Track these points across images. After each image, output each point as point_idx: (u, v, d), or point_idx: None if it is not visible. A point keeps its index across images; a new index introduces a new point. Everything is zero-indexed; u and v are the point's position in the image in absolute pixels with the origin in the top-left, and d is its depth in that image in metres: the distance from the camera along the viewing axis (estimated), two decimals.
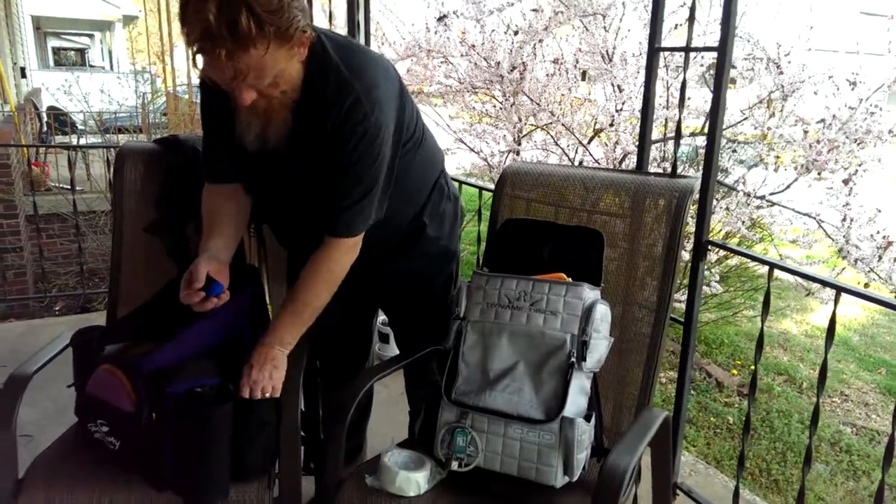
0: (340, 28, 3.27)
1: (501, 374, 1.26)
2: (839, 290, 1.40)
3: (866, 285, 2.77)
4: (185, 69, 7.23)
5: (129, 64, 13.82)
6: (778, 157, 3.29)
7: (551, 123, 3.71)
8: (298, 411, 1.29)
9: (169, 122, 6.98)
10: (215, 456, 1.20)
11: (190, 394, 1.19)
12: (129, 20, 14.71)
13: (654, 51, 1.76)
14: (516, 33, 3.63)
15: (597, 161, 3.64)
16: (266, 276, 1.67)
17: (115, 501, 1.21)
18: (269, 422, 1.26)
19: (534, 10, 3.57)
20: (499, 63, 3.66)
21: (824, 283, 1.46)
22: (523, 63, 3.60)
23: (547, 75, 3.73)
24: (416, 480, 1.21)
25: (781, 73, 3.28)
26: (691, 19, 1.73)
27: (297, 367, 1.36)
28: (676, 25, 3.41)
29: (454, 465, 1.23)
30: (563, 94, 3.74)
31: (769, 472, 2.77)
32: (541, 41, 3.65)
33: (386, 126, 1.19)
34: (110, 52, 16.19)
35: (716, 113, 1.61)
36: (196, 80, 7.58)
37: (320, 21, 3.33)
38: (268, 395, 1.24)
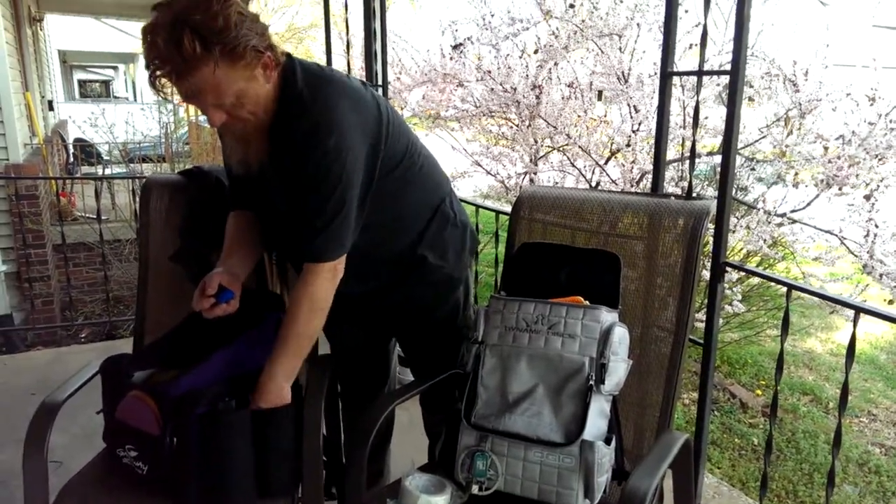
0: (357, 56, 3.35)
1: (521, 398, 1.27)
2: (858, 310, 1.39)
3: (891, 302, 2.73)
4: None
5: (152, 94, 14.15)
6: (797, 174, 3.28)
7: (567, 145, 3.74)
8: (320, 435, 1.31)
9: (191, 150, 7.13)
10: (238, 470, 1.22)
11: (211, 411, 1.22)
12: None
13: (666, 75, 1.78)
14: (536, 52, 3.67)
15: (614, 181, 3.65)
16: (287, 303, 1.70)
17: None
18: (292, 445, 1.28)
19: (552, 34, 3.62)
20: (514, 88, 3.71)
21: (843, 304, 1.45)
22: (539, 86, 3.64)
23: (563, 98, 3.78)
24: None
25: (798, 90, 3.28)
26: (703, 43, 1.76)
27: (319, 391, 1.38)
28: (691, 45, 3.44)
29: (474, 489, 1.24)
30: (578, 116, 3.77)
31: (796, 494, 2.72)
32: (556, 64, 3.69)
33: (349, 149, 1.20)
34: (133, 83, 16.62)
35: (730, 135, 1.63)
36: None
37: (337, 48, 3.40)
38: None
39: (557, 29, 3.60)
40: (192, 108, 8.17)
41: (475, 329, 1.37)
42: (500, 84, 3.75)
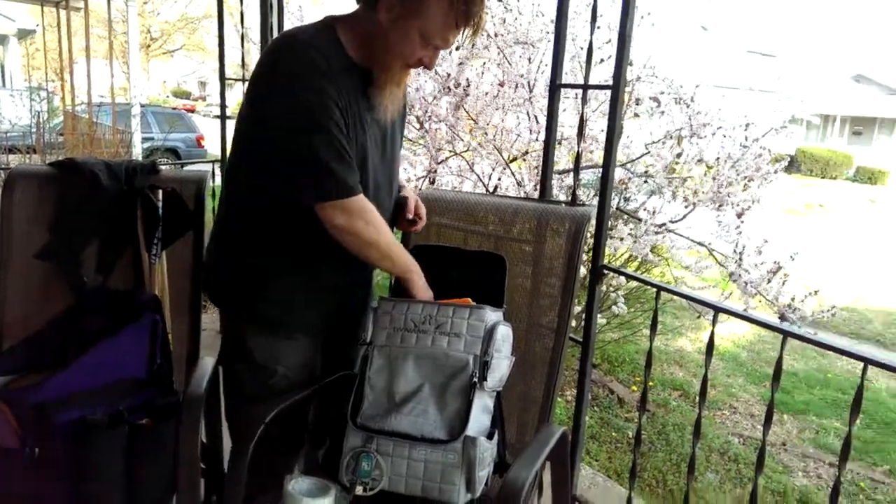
0: (254, 52, 3.25)
1: (407, 398, 1.29)
2: (717, 309, 1.53)
3: (745, 308, 3.01)
4: (85, 87, 6.88)
5: (24, 80, 12.99)
6: (676, 189, 3.54)
7: (467, 150, 3.81)
8: (198, 442, 1.26)
9: (66, 142, 6.60)
10: (107, 486, 1.16)
11: (80, 421, 1.15)
12: (24, 34, 13.82)
13: (555, 87, 1.87)
14: (458, 48, 3.70)
15: (520, 184, 3.76)
16: (168, 306, 1.63)
17: None
18: (165, 452, 1.23)
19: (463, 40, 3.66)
20: (417, 88, 3.73)
21: (704, 304, 1.59)
22: (467, 80, 3.66)
23: (485, 94, 3.82)
24: None
25: (689, 108, 3.54)
26: (588, 59, 1.86)
27: (196, 396, 1.34)
28: (602, 60, 3.60)
29: (359, 490, 1.24)
30: (475, 122, 3.85)
31: (665, 483, 2.93)
32: (460, 64, 3.74)
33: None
34: (2, 67, 15.15)
35: (610, 147, 1.74)
36: (97, 98, 7.23)
37: (229, 24, 3.28)
38: None
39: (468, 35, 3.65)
40: (68, 96, 7.59)
41: (364, 330, 1.38)
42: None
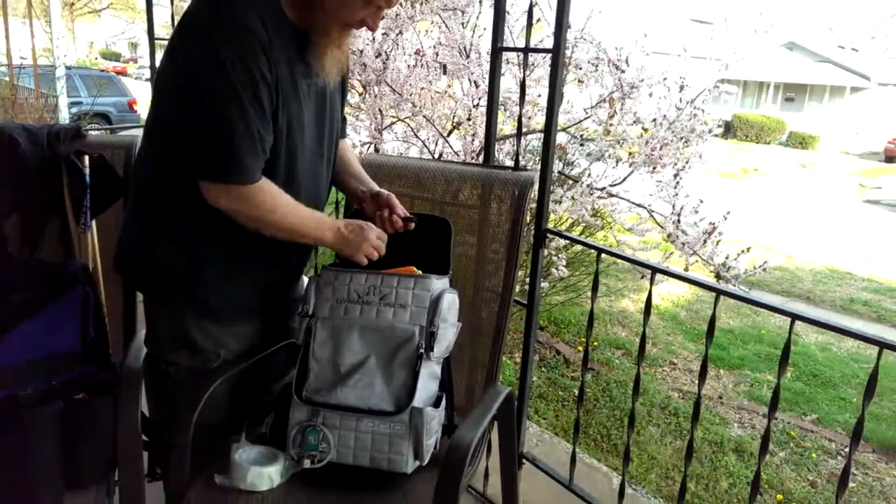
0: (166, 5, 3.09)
1: (352, 370, 1.28)
2: (654, 270, 1.58)
3: (686, 268, 3.12)
4: (3, 47, 6.42)
5: None
6: (618, 152, 3.59)
7: (412, 115, 3.76)
8: (138, 414, 1.23)
9: None
10: (42, 463, 1.12)
11: (11, 398, 1.10)
12: None
13: (496, 51, 1.85)
14: (383, 17, 3.62)
15: (456, 153, 3.75)
16: (101, 277, 1.56)
17: None
18: (104, 426, 1.20)
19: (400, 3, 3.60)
20: (361, 51, 3.64)
21: (642, 265, 1.64)
22: (386, 53, 3.61)
23: (408, 66, 3.78)
24: (269, 474, 1.21)
25: (623, 72, 3.57)
26: (529, 23, 1.85)
27: (135, 368, 1.30)
28: (537, 20, 3.58)
29: (306, 463, 1.24)
30: (423, 88, 3.81)
31: (609, 438, 3.05)
32: (400, 33, 3.68)
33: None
34: None
35: (551, 111, 1.74)
36: (18, 61, 6.76)
37: None
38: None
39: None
40: None
41: (306, 302, 1.34)
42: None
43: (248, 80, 1.11)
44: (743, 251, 3.11)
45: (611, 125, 3.52)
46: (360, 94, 3.94)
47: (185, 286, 1.28)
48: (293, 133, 1.23)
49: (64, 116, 5.23)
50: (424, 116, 3.68)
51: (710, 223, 3.22)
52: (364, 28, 1.27)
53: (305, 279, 1.53)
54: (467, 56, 3.61)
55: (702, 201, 3.30)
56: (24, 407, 1.14)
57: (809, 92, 25.73)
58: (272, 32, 1.14)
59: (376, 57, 3.64)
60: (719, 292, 1.46)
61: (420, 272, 1.37)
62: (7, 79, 6.31)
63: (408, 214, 1.40)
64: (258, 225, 1.22)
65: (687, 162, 3.47)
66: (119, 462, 1.24)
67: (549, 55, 1.69)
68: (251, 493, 1.20)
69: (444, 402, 1.33)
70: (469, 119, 3.62)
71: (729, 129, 22.80)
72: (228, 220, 1.20)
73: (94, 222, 1.52)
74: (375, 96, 3.77)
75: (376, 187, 1.46)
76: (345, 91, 1.45)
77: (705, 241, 3.27)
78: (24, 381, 1.18)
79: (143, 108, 11.10)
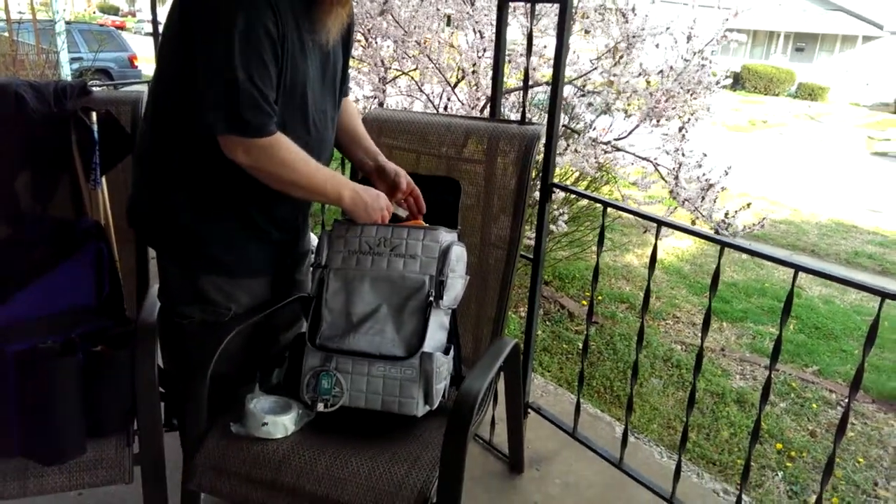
0: None
1: (364, 318, 1.31)
2: (660, 223, 1.59)
3: (693, 222, 3.12)
4: (0, 2, 6.31)
5: None
6: (624, 105, 3.54)
7: (416, 58, 3.70)
8: (154, 366, 1.27)
9: None
10: (64, 412, 1.16)
11: (31, 350, 1.13)
12: None
13: (503, 2, 1.82)
14: None
15: (463, 104, 3.71)
16: (113, 233, 1.58)
17: None
18: (122, 378, 1.24)
19: None
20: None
21: (648, 218, 1.64)
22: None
23: (413, 6, 3.69)
24: (283, 423, 1.25)
25: (627, 22, 3.50)
26: None
27: (149, 321, 1.33)
28: None
29: (320, 407, 1.28)
30: (427, 38, 3.74)
31: (612, 389, 3.11)
32: None
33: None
34: None
35: (559, 63, 1.72)
36: (16, 15, 6.64)
37: None
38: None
39: None
40: None
41: (318, 254, 1.38)
42: None
43: (255, 35, 1.11)
44: (743, 207, 3.10)
45: (614, 76, 3.47)
46: (364, 47, 3.88)
47: (194, 243, 1.31)
48: (300, 88, 1.23)
49: (66, 73, 5.16)
50: (429, 58, 3.61)
51: (707, 180, 3.20)
52: None
53: (313, 235, 1.55)
54: (472, 5, 3.54)
55: (705, 155, 3.27)
56: (45, 358, 1.17)
57: (820, 41, 25.13)
58: None
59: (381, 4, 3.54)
60: (723, 244, 1.48)
61: (427, 225, 1.39)
62: (7, 34, 6.22)
63: (413, 188, 1.45)
64: (278, 183, 1.23)
65: (693, 114, 3.42)
66: (137, 412, 1.29)
67: (557, 4, 1.66)
68: (266, 441, 1.24)
69: (452, 352, 1.37)
70: (474, 71, 3.57)
71: (737, 81, 22.36)
72: (236, 178, 1.22)
73: (103, 179, 1.54)
74: (377, 48, 3.70)
75: (382, 160, 1.47)
76: (348, 48, 1.44)
77: (703, 198, 3.26)
78: (44, 334, 1.21)
79: (143, 63, 10.95)
